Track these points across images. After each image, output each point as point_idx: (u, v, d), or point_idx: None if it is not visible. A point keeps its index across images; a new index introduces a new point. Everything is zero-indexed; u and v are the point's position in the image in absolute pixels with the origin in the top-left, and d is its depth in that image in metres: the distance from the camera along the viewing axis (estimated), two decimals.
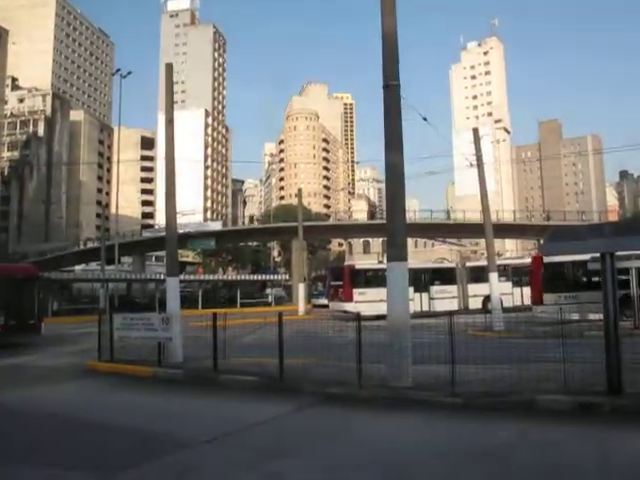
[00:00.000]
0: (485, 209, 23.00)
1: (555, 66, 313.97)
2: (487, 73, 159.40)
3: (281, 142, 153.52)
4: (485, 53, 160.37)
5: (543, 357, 9.50)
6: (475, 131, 24.26)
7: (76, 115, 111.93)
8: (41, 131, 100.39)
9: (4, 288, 18.94)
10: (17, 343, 17.53)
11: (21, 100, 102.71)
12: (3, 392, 10.62)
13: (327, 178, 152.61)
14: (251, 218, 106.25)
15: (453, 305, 28.29)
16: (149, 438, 7.09)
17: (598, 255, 8.46)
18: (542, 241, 12.80)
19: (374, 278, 28.77)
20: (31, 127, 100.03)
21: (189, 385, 11.01)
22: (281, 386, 9.96)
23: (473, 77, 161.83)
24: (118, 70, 45.80)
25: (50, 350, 17.41)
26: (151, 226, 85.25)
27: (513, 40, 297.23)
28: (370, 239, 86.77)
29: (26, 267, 24.04)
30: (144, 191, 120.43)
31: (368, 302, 25.41)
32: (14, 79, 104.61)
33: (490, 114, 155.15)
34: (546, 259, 21.46)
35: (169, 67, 15.89)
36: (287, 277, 55.99)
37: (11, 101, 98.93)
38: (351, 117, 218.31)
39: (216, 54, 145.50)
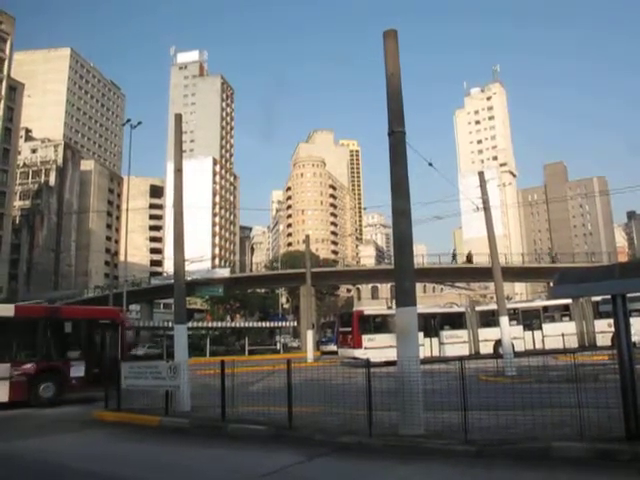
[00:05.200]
0: (493, 253, 22.98)
1: (558, 108, 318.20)
2: (491, 118, 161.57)
3: (288, 189, 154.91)
4: (488, 99, 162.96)
5: (557, 402, 9.29)
6: (481, 175, 24.45)
7: (87, 165, 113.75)
8: (52, 180, 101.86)
9: (87, 334, 17.69)
10: (98, 397, 15.58)
11: (34, 150, 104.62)
12: (6, 442, 10.46)
13: (334, 224, 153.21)
14: (256, 266, 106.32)
15: (464, 350, 28.01)
16: None
17: (609, 297, 8.38)
18: (552, 283, 12.64)
19: (383, 324, 28.58)
20: (43, 177, 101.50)
21: (196, 435, 10.81)
22: (290, 435, 9.77)
23: (477, 122, 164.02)
24: (128, 120, 46.70)
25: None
26: (159, 273, 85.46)
27: (515, 83, 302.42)
28: (378, 284, 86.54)
29: (111, 310, 21.81)
30: (153, 239, 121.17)
31: (377, 348, 25.16)
32: (28, 130, 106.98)
33: (495, 158, 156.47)
34: None
35: (178, 117, 16.20)
36: (295, 324, 55.70)
37: (24, 151, 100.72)
38: (357, 163, 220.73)
39: (224, 104, 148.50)
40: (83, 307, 23.56)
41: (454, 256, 60.81)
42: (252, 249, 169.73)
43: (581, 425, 8.10)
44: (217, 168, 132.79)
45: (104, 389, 13.95)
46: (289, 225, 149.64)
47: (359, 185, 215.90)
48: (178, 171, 15.09)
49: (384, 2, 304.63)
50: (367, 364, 9.94)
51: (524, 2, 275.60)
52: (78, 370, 16.22)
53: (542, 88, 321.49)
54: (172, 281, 15.64)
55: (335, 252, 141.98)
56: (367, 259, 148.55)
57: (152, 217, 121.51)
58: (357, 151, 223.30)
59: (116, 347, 17.51)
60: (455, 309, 35.18)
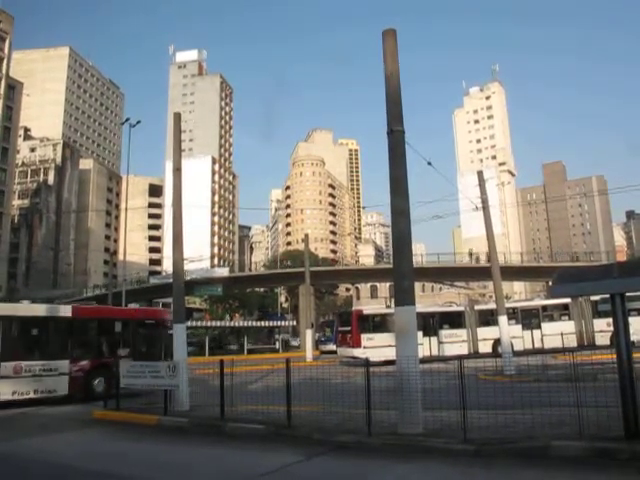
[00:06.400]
0: (492, 252, 22.99)
1: (557, 107, 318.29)
2: (490, 117, 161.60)
3: (287, 188, 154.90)
4: (487, 98, 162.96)
5: (556, 401, 9.30)
6: (480, 174, 24.45)
7: (85, 164, 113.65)
8: (51, 179, 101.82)
9: (135, 333, 18.91)
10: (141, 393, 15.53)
11: (32, 149, 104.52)
12: (6, 442, 10.45)
13: (333, 223, 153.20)
14: (255, 265, 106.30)
15: (463, 349, 28.03)
16: None
17: (608, 296, 8.38)
18: (551, 283, 12.73)
19: (382, 323, 28.56)
20: (41, 176, 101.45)
21: (195, 434, 10.81)
22: (289, 434, 9.77)
23: (476, 121, 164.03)
24: (127, 119, 46.70)
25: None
26: (158, 272, 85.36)
27: (514, 82, 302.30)
28: (377, 284, 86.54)
29: (156, 311, 23.17)
30: (152, 238, 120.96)
31: (376, 347, 25.16)
32: (26, 129, 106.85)
33: (494, 157, 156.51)
34: None
35: (177, 116, 16.19)
36: (294, 323, 55.68)
37: (23, 150, 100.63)
38: (356, 163, 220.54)
39: (223, 103, 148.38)
40: (132, 308, 24.88)
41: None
42: (251, 248, 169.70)
43: (580, 424, 8.10)
44: (216, 167, 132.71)
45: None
46: (288, 224, 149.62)
47: (358, 184, 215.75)
48: (177, 170, 15.08)
49: (384, 2, 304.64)
50: (366, 363, 9.94)
51: (523, 1, 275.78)
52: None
53: (541, 87, 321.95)
54: (171, 280, 15.65)
55: (334, 251, 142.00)
56: (366, 258, 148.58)
57: (151, 216, 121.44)
58: (356, 150, 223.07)
59: (160, 345, 18.85)
60: (454, 308, 35.19)
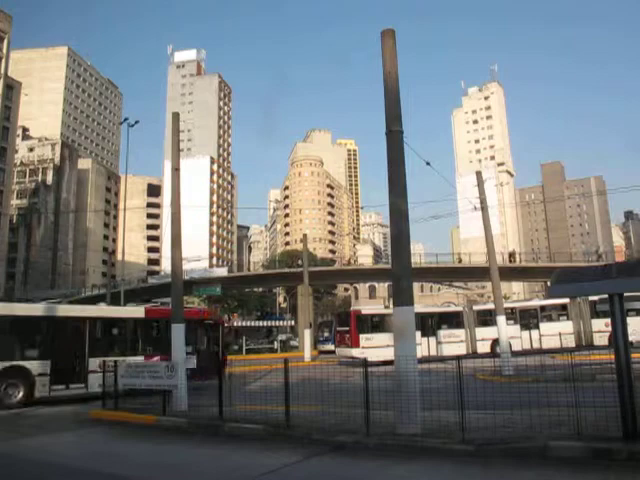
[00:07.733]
0: (490, 252, 23.00)
1: (556, 107, 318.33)
2: (488, 117, 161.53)
3: (286, 188, 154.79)
4: (486, 98, 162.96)
5: (555, 402, 9.30)
6: (478, 174, 24.47)
7: (84, 163, 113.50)
8: (50, 179, 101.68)
9: (196, 332, 20.19)
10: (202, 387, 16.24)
11: (31, 149, 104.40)
12: (2, 442, 10.42)
13: (332, 223, 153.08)
14: (254, 265, 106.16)
15: (461, 349, 28.07)
16: None
17: (606, 296, 8.38)
18: (549, 283, 12.77)
19: (381, 323, 28.59)
20: (40, 175, 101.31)
21: (194, 434, 10.80)
22: (288, 434, 9.76)
23: (475, 122, 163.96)
24: (126, 119, 46.61)
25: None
26: (157, 272, 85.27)
27: (513, 82, 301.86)
28: (376, 284, 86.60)
29: (215, 312, 25.29)
30: (150, 238, 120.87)
31: (375, 347, 25.22)
32: (25, 129, 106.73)
33: (493, 157, 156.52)
34: None
35: (175, 116, 16.17)
36: (293, 323, 55.69)
37: (21, 150, 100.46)
38: (355, 163, 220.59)
39: (221, 103, 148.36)
40: (195, 309, 26.41)
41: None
42: (250, 248, 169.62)
43: (578, 424, 8.11)
44: (214, 167, 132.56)
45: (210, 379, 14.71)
46: (287, 224, 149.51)
47: (356, 184, 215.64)
48: (175, 170, 15.07)
49: (383, 2, 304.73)
50: (364, 363, 9.95)
51: (523, 1, 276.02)
52: (191, 363, 17.64)
53: (540, 87, 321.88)
54: (170, 280, 15.63)
55: (333, 251, 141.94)
56: (364, 258, 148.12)
57: (150, 216, 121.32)
58: (355, 150, 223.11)
59: (218, 343, 20.92)
60: (452, 308, 35.22)
